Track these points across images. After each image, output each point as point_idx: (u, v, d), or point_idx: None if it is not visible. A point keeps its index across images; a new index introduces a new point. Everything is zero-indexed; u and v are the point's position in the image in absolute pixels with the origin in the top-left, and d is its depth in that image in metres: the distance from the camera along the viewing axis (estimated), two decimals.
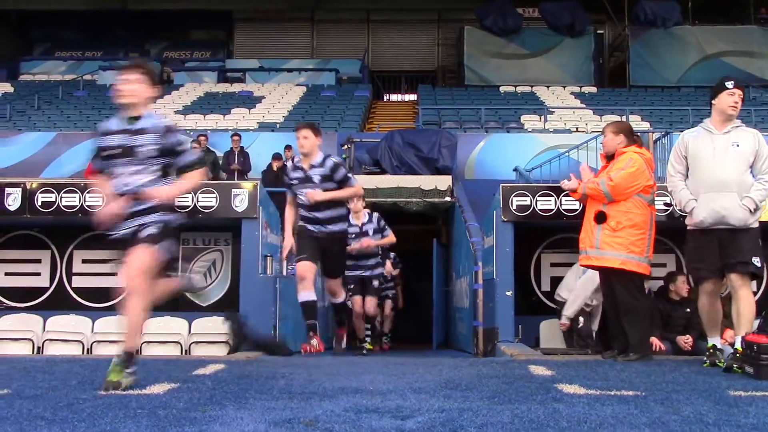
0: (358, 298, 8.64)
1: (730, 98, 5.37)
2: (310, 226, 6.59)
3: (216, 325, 8.52)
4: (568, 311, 7.63)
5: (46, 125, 18.58)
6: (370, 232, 8.41)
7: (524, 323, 8.02)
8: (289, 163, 6.88)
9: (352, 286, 8.59)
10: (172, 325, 8.58)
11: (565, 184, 6.34)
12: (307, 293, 6.47)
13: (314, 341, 6.58)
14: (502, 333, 7.70)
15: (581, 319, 7.67)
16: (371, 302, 8.70)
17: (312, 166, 6.59)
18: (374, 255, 8.57)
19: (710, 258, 5.31)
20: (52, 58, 27.11)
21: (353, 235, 8.09)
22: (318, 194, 6.47)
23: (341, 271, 7.09)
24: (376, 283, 8.65)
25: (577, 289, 7.59)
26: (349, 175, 6.78)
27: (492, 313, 7.95)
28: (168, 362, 5.76)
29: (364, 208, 8.62)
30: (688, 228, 5.50)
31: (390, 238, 8.58)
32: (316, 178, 6.54)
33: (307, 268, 6.43)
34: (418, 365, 5.44)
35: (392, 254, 11.24)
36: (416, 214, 13.70)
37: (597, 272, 7.57)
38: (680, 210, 5.60)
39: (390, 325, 12.16)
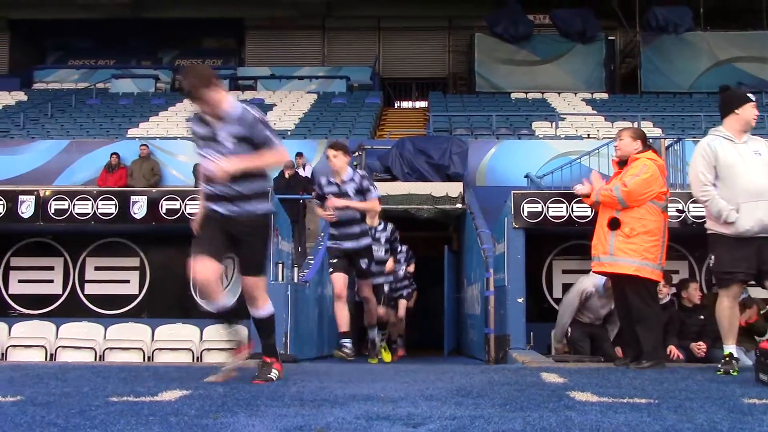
0: (339, 276, 7.18)
1: (753, 110, 5.39)
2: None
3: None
4: (557, 337, 7.76)
5: (59, 133, 18.70)
6: (351, 193, 7.07)
7: (536, 330, 8.00)
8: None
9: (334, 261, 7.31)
10: (184, 332, 8.61)
11: (578, 188, 6.31)
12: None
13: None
14: (514, 340, 7.67)
15: (569, 329, 7.75)
16: (365, 287, 7.49)
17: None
18: (356, 222, 7.18)
19: (747, 264, 5.27)
20: (65, 67, 27.31)
21: (330, 196, 7.06)
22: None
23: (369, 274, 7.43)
24: (364, 264, 7.24)
25: (559, 314, 7.79)
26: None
27: (503, 320, 7.93)
28: (179, 369, 5.77)
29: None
30: (720, 234, 5.41)
31: (372, 202, 7.20)
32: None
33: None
34: (429, 372, 5.43)
35: (404, 247, 10.54)
36: (427, 221, 13.69)
37: (575, 294, 7.68)
38: (720, 220, 5.38)
39: (403, 327, 11.48)
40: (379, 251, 8.21)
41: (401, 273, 10.77)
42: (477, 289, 10.06)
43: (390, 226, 8.60)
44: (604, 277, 7.36)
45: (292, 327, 8.07)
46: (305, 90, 23.74)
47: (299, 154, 14.91)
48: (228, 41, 28.37)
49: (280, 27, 26.96)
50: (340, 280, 7.13)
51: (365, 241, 7.25)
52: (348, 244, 7.14)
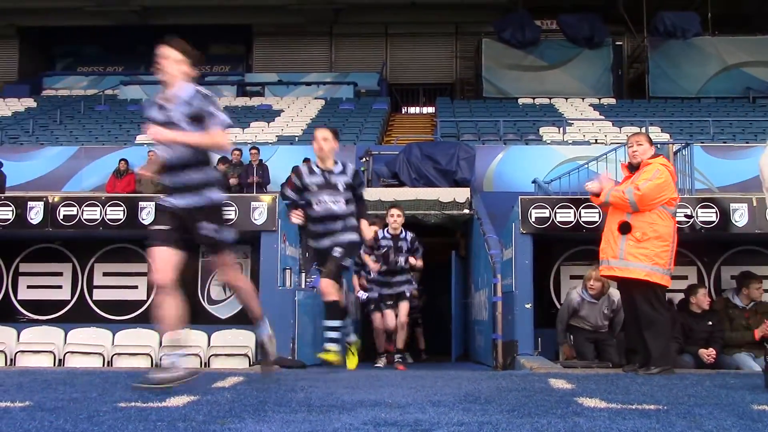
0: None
1: None
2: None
3: (235, 338, 8.55)
4: (559, 340, 7.88)
5: (68, 140, 18.79)
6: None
7: (543, 336, 7.98)
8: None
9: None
10: (192, 337, 8.61)
11: (590, 185, 6.28)
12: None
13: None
14: (522, 346, 7.66)
15: (570, 336, 7.82)
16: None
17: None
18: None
19: None
20: (74, 74, 27.46)
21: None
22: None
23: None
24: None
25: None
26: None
27: (511, 326, 7.92)
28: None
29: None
30: None
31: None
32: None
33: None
34: (436, 378, 5.42)
35: (408, 235, 9.45)
36: (434, 227, 13.68)
37: (563, 308, 7.72)
38: None
39: (404, 337, 11.11)
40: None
41: (400, 261, 8.81)
42: (484, 294, 10.05)
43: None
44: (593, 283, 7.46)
45: (299, 333, 8.07)
46: (313, 96, 23.79)
47: (306, 160, 14.92)
48: (236, 47, 28.47)
49: (287, 33, 27.06)
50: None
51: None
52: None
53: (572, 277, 8.50)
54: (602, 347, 7.74)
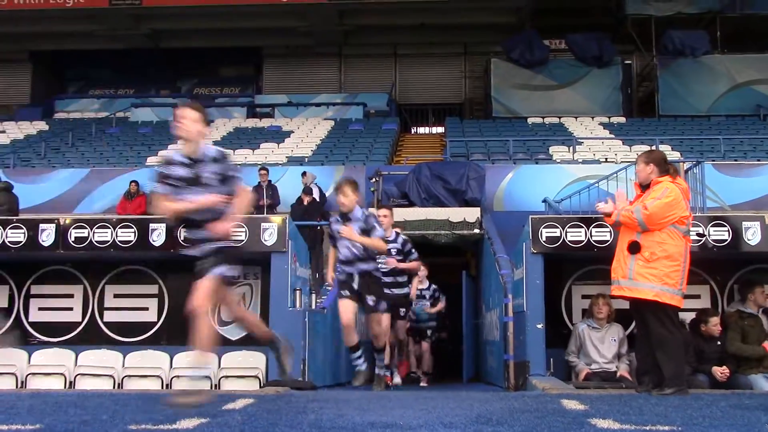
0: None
1: None
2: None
3: (245, 360, 8.53)
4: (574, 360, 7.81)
5: (79, 162, 18.92)
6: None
7: (556, 356, 7.92)
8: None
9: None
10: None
11: (601, 206, 6.26)
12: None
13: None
14: (534, 366, 7.61)
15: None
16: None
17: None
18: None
19: None
20: (86, 96, 27.73)
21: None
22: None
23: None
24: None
25: None
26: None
27: (523, 347, 7.87)
28: None
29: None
30: None
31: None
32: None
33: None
34: (448, 399, 5.39)
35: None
36: (445, 247, 13.66)
37: (572, 338, 7.70)
38: None
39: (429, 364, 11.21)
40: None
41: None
42: (496, 314, 10.00)
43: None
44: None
45: (309, 354, 8.04)
46: (322, 117, 23.89)
47: (303, 174, 14.93)
48: (246, 69, 28.69)
49: (297, 55, 27.26)
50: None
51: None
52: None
53: (584, 297, 8.44)
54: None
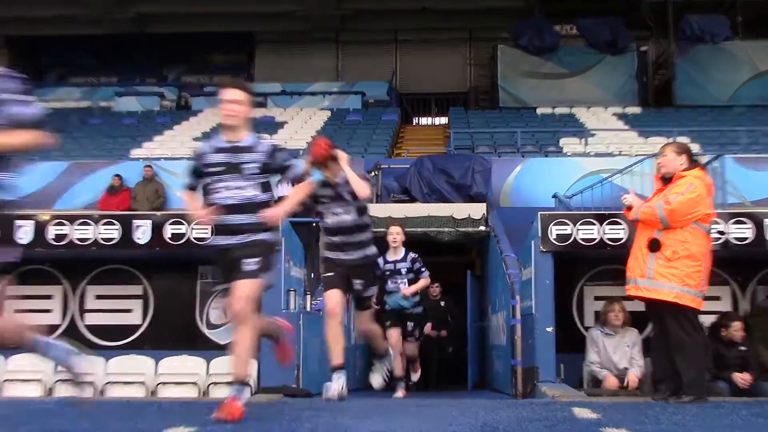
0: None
1: None
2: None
3: None
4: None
5: (59, 154, 18.88)
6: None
7: (566, 362, 7.92)
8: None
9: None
10: (189, 364, 8.60)
11: (626, 199, 6.22)
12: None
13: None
14: (543, 372, 7.60)
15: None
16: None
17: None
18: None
19: None
20: (66, 85, 27.64)
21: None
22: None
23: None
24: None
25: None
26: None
27: (531, 351, 7.86)
28: (184, 404, 5.75)
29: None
30: None
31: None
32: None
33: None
34: (451, 407, 5.37)
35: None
36: (448, 245, 13.64)
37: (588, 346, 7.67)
38: None
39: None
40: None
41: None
42: (502, 317, 10.00)
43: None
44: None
45: (304, 359, 8.03)
46: (318, 107, 23.86)
47: None
48: (237, 56, 28.62)
49: (291, 41, 27.17)
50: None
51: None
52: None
53: (597, 298, 8.45)
54: None
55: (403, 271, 8.43)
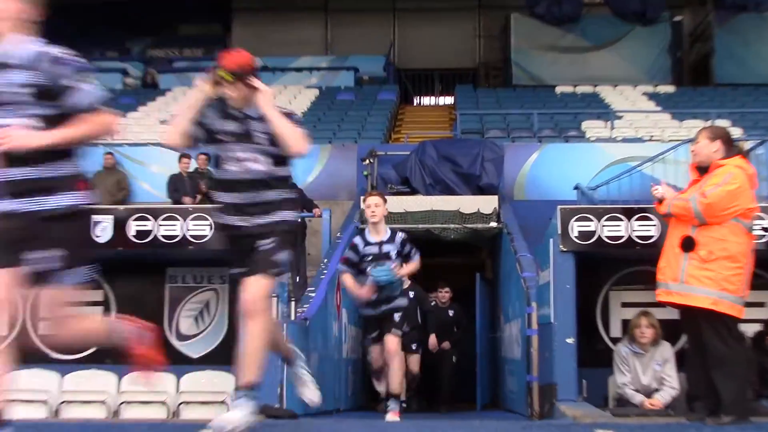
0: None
1: None
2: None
3: (210, 382, 8.52)
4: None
5: None
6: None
7: (589, 378, 7.93)
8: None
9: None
10: (157, 381, 8.57)
11: (657, 190, 6.21)
12: None
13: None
14: (562, 390, 7.60)
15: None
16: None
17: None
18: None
19: None
20: None
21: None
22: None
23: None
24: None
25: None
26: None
27: (549, 366, 7.87)
28: (152, 427, 5.75)
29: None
30: None
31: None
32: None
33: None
34: (458, 429, 5.38)
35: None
36: (454, 244, 13.65)
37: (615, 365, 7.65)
38: None
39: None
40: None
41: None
42: (516, 327, 10.01)
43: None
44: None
45: (289, 375, 8.02)
46: (304, 84, 23.84)
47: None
48: (211, 27, 28.58)
49: (274, 8, 27.12)
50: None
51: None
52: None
53: (624, 305, 8.45)
54: None
55: (393, 254, 7.68)
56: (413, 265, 7.90)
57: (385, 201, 7.82)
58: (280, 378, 7.89)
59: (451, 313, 12.36)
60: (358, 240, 7.81)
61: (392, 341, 7.81)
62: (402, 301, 7.94)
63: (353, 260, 7.77)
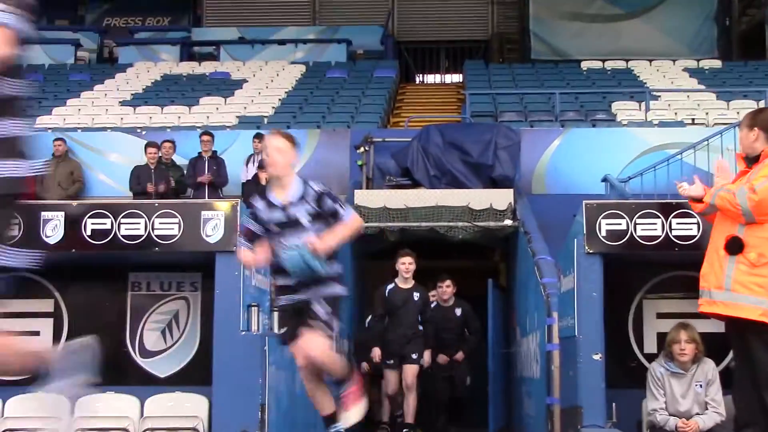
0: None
1: None
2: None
3: (178, 405, 8.54)
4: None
5: None
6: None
7: (620, 400, 7.96)
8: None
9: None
10: (118, 404, 8.61)
11: (685, 188, 6.24)
12: None
13: None
14: (588, 414, 7.63)
15: None
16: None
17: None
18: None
19: None
20: None
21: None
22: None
23: None
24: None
25: None
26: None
27: (573, 386, 7.90)
28: None
29: None
30: None
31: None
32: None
33: None
34: None
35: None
36: (463, 245, 13.69)
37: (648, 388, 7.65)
38: None
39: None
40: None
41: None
42: (535, 341, 10.04)
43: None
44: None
45: (272, 397, 8.07)
46: (288, 60, 23.85)
47: (258, 137, 14.70)
48: None
49: None
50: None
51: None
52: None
53: (660, 316, 8.48)
54: None
55: (304, 219, 6.35)
56: (343, 228, 6.41)
57: (294, 146, 6.59)
58: (262, 399, 7.93)
59: (458, 312, 12.10)
60: (258, 202, 6.47)
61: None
62: (334, 289, 6.48)
63: (256, 232, 6.48)
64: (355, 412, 6.52)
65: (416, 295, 10.90)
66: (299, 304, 6.39)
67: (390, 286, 10.91)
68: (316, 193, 6.36)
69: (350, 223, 6.45)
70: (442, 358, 11.68)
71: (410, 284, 10.87)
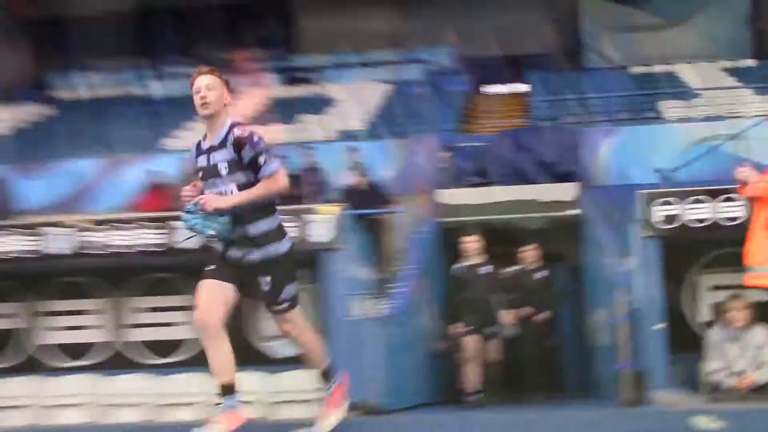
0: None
1: None
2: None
3: (302, 382, 8.57)
4: None
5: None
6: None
7: (679, 364, 7.90)
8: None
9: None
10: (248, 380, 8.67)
11: (743, 172, 6.17)
12: None
13: None
14: (653, 377, 7.60)
15: None
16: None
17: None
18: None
19: None
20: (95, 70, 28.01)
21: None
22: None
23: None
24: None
25: None
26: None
27: (638, 353, 7.87)
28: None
29: None
30: None
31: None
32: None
33: None
34: (547, 423, 5.42)
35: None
36: (534, 234, 13.65)
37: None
38: None
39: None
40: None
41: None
42: (602, 315, 10.00)
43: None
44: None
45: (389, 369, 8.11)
46: (374, 79, 23.91)
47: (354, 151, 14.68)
48: (274, 25, 28.65)
49: (341, 1, 27.21)
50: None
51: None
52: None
53: (713, 288, 8.39)
54: None
55: (222, 167, 5.14)
56: (267, 184, 5.09)
57: (224, 81, 5.26)
58: (381, 372, 8.00)
59: (539, 275, 11.69)
60: (192, 146, 5.42)
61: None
62: (275, 248, 5.24)
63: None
64: (332, 420, 5.51)
65: (484, 270, 10.59)
66: (236, 262, 5.20)
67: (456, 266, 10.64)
68: (235, 138, 5.06)
69: (269, 182, 5.07)
70: (527, 313, 11.32)
71: (475, 261, 10.49)
